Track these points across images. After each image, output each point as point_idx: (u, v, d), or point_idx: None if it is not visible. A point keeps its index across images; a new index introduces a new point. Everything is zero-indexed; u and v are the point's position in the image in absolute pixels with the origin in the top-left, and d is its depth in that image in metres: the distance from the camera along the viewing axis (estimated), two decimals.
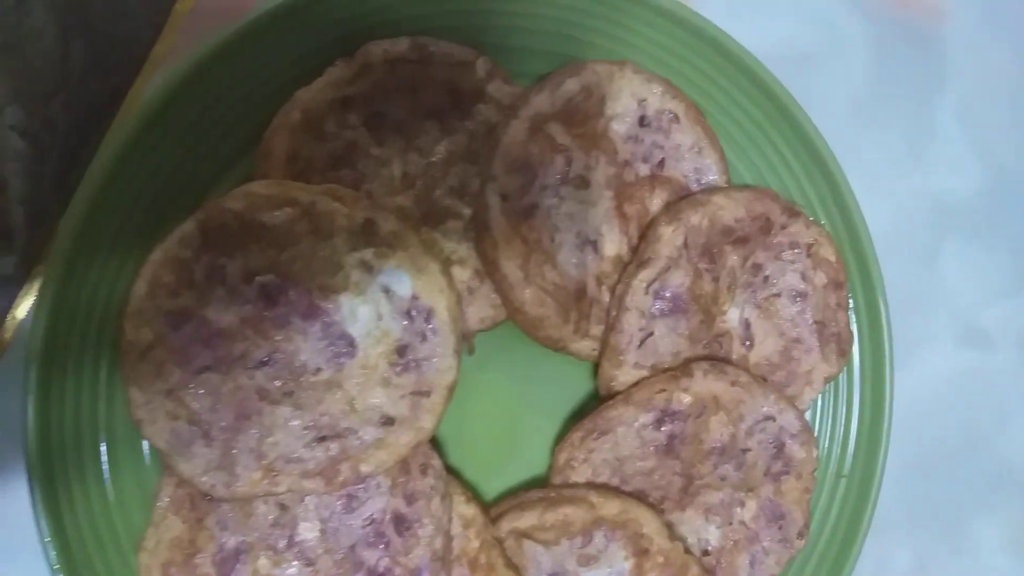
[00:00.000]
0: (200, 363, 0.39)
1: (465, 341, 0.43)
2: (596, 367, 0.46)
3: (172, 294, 0.39)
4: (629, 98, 0.45)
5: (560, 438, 0.46)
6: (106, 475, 0.40)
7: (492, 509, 0.44)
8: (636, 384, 0.45)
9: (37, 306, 0.39)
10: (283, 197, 0.39)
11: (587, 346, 0.45)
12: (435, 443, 0.43)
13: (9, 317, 0.41)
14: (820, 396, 0.49)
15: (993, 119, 0.57)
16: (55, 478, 0.39)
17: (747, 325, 0.47)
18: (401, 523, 0.40)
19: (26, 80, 0.41)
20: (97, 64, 0.43)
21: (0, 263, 0.42)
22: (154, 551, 0.39)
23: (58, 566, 0.38)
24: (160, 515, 0.40)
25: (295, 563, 0.40)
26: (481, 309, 0.45)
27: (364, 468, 0.39)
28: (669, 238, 0.44)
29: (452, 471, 0.44)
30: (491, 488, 0.46)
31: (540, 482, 0.46)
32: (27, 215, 0.42)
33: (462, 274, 0.44)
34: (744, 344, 0.47)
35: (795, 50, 0.53)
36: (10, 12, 0.40)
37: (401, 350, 0.40)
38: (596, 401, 0.47)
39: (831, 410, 0.49)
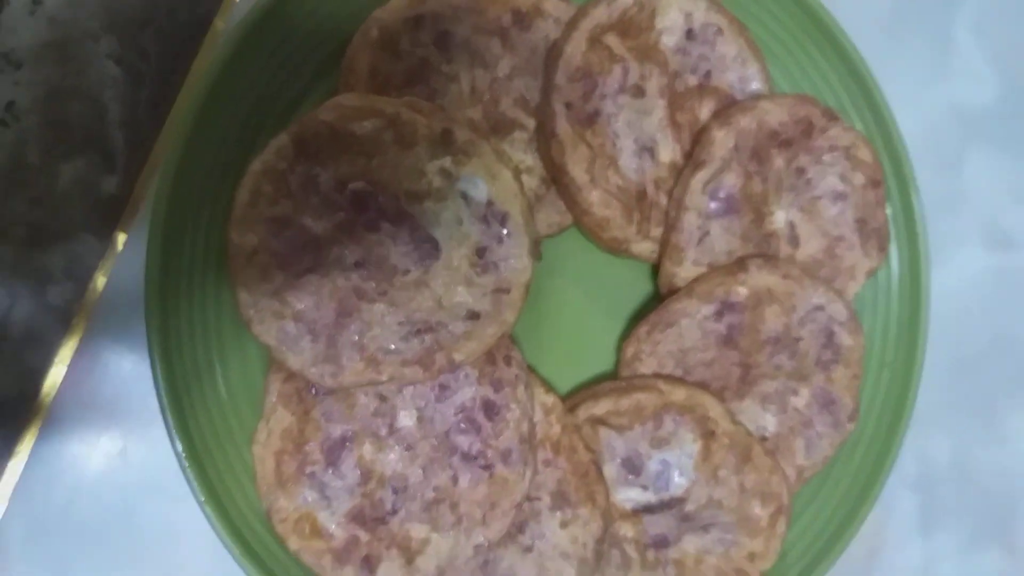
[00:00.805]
0: (301, 266, 0.42)
1: (535, 246, 0.45)
2: (656, 268, 0.49)
3: (272, 202, 0.41)
4: (677, 12, 0.47)
5: (624, 336, 0.49)
6: (219, 376, 0.43)
7: (567, 400, 0.47)
8: (696, 280, 0.47)
9: (151, 220, 0.41)
10: (369, 108, 0.41)
11: (647, 247, 0.48)
12: (513, 341, 0.46)
13: (118, 232, 0.45)
14: (862, 289, 0.51)
15: (1006, 34, 0.59)
16: (177, 382, 0.42)
17: (792, 226, 0.49)
18: (490, 409, 0.43)
19: (119, 11, 0.45)
20: None
21: (104, 182, 0.45)
22: (266, 443, 0.42)
23: (186, 457, 0.41)
24: (270, 409, 0.43)
25: (396, 448, 0.43)
26: (548, 215, 0.47)
27: (457, 356, 0.41)
28: (722, 140, 0.46)
29: (529, 367, 0.46)
30: (563, 383, 0.48)
31: (607, 377, 0.49)
32: (126, 138, 0.45)
33: (529, 182, 0.47)
34: (791, 244, 0.49)
35: None
36: None
37: (480, 251, 0.43)
38: (656, 301, 0.49)
39: (873, 301, 0.51)
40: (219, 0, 0.46)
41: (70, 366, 0.45)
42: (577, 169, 0.45)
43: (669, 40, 0.47)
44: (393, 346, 0.42)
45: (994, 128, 0.58)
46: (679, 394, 0.46)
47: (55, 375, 0.44)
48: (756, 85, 0.49)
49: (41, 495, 0.45)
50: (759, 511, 0.46)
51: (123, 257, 0.45)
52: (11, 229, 0.44)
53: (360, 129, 0.42)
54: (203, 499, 0.41)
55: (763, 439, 0.48)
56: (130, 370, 0.45)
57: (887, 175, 0.51)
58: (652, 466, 0.46)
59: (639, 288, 0.50)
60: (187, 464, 0.41)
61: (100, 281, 0.45)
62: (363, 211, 0.42)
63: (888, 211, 0.51)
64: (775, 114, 0.47)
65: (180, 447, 0.41)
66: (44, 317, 0.44)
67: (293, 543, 0.42)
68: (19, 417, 0.44)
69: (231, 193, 0.42)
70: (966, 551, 0.56)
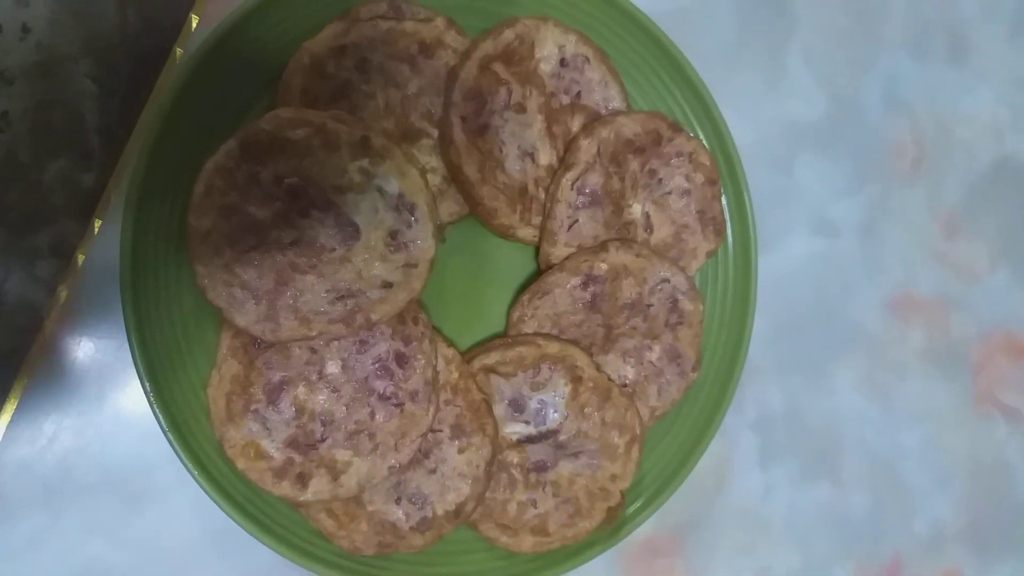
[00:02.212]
0: (246, 244, 0.47)
1: (439, 231, 0.51)
2: (537, 249, 0.55)
3: (222, 193, 0.47)
4: (552, 44, 0.54)
5: (511, 303, 0.55)
6: (179, 333, 0.50)
7: (466, 354, 0.53)
8: (567, 258, 0.53)
9: (124, 212, 0.47)
10: (302, 119, 0.47)
11: (529, 232, 0.54)
12: (420, 306, 0.51)
13: (95, 219, 0.51)
14: (704, 266, 0.58)
15: (832, 59, 0.65)
16: (145, 338, 0.48)
17: (647, 216, 0.56)
18: (401, 359, 0.49)
19: (95, 38, 0.50)
20: (147, 27, 0.52)
21: (83, 177, 0.51)
22: (218, 386, 0.49)
23: (153, 397, 0.48)
24: (221, 359, 0.49)
25: (324, 390, 0.49)
26: (449, 206, 0.53)
27: (374, 316, 0.47)
28: (586, 147, 0.53)
29: (434, 328, 0.52)
30: (462, 342, 0.54)
31: (498, 336, 0.55)
32: (101, 141, 0.51)
33: (434, 180, 0.53)
34: (646, 231, 0.57)
35: (677, 8, 0.61)
36: None
37: (393, 234, 0.49)
38: (536, 275, 0.55)
39: (712, 275, 0.58)
40: (178, 29, 0.53)
41: (56, 327, 0.51)
42: (471, 169, 0.51)
43: (546, 67, 0.55)
44: (322, 308, 0.47)
45: (820, 136, 0.65)
46: (553, 347, 0.52)
47: (43, 335, 0.51)
48: (616, 103, 0.56)
49: (27, 436, 0.51)
50: (617, 440, 0.53)
51: (99, 239, 0.51)
52: (6, 215, 0.49)
53: (294, 135, 0.47)
54: (168, 430, 0.48)
55: (624, 386, 0.55)
56: (106, 331, 0.51)
57: (722, 175, 0.58)
58: (532, 405, 0.52)
59: (523, 265, 0.56)
60: (154, 401, 0.48)
61: (80, 258, 0.51)
62: (297, 201, 0.48)
63: (724, 203, 0.59)
64: (630, 127, 0.54)
65: (148, 387, 0.48)
66: (34, 287, 0.50)
67: (241, 464, 0.48)
68: (12, 367, 0.50)
69: (190, 186, 0.47)
70: (799, 482, 0.63)
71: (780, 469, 0.63)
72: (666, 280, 0.56)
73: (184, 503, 0.52)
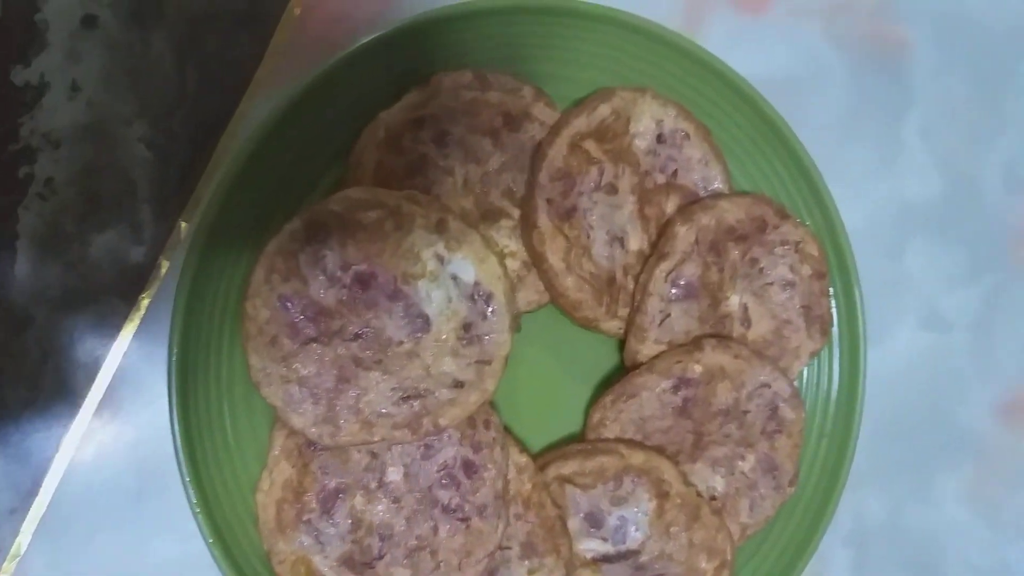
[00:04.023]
0: (306, 336, 0.45)
1: (516, 321, 0.48)
2: (622, 343, 0.52)
3: (283, 279, 0.45)
4: (649, 119, 0.51)
5: (592, 402, 0.51)
6: (229, 430, 0.47)
7: (538, 460, 0.49)
8: (657, 356, 0.50)
9: (177, 294, 0.44)
10: (374, 200, 0.45)
11: (615, 325, 0.51)
12: (492, 405, 0.49)
13: (143, 297, 0.48)
14: (806, 368, 0.54)
15: (951, 135, 0.61)
16: (192, 434, 0.45)
17: (745, 309, 0.52)
18: (469, 468, 0.47)
19: (150, 99, 0.48)
20: (209, 86, 0.49)
21: (132, 252, 0.48)
22: (269, 491, 0.46)
23: (196, 503, 0.45)
24: (274, 461, 0.46)
25: (384, 500, 0.46)
26: (528, 294, 0.50)
27: (442, 421, 0.45)
28: (684, 236, 0.50)
29: (505, 428, 0.49)
30: (535, 443, 0.51)
31: (575, 439, 0.51)
32: (153, 212, 0.48)
33: (512, 264, 0.50)
34: (743, 325, 0.53)
35: (785, 76, 0.57)
36: (136, 44, 0.48)
37: (467, 326, 0.47)
38: (622, 372, 0.51)
39: (815, 379, 0.54)
40: (241, 91, 0.50)
41: (93, 416, 0.48)
42: (555, 258, 0.48)
43: (641, 143, 0.51)
44: (385, 410, 0.45)
45: (934, 220, 0.60)
46: (638, 457, 0.49)
47: (80, 423, 0.48)
48: (717, 184, 0.52)
49: (62, 531, 0.48)
50: (705, 565, 0.49)
51: (147, 319, 0.49)
52: (47, 291, 0.47)
53: (364, 218, 0.45)
54: (211, 541, 0.45)
55: (712, 498, 0.51)
56: (149, 422, 0.48)
57: (832, 267, 0.53)
58: (611, 521, 0.49)
59: (606, 360, 0.53)
60: (197, 509, 0.44)
61: (126, 341, 0.48)
62: (364, 289, 0.46)
63: (831, 300, 0.54)
64: (733, 213, 0.51)
65: (192, 494, 0.44)
66: (74, 372, 0.48)
67: None
68: (47, 454, 0.47)
69: (248, 269, 0.45)
70: None
71: None
72: (766, 385, 0.52)
73: None
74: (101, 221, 0.48)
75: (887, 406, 0.59)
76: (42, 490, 0.47)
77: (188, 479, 0.45)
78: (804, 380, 0.55)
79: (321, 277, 0.46)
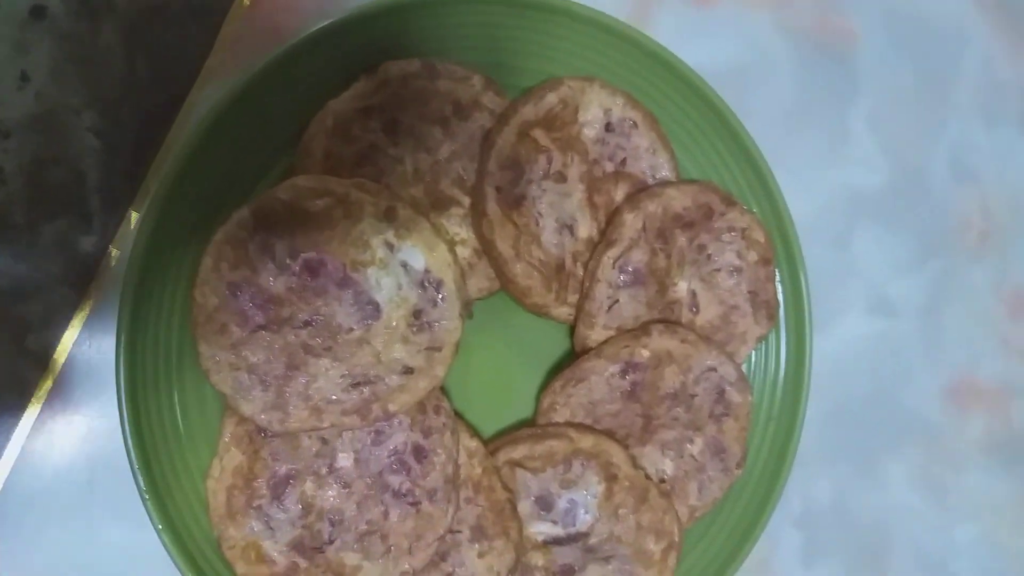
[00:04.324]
0: (256, 323, 0.45)
1: (466, 308, 0.49)
2: (572, 329, 0.52)
3: (232, 267, 0.45)
4: (597, 108, 0.51)
5: (543, 387, 0.51)
6: (179, 418, 0.46)
7: (489, 444, 0.49)
8: (605, 342, 0.50)
9: (124, 283, 0.44)
10: (322, 189, 0.45)
11: (565, 312, 0.51)
12: (443, 391, 0.49)
13: (93, 287, 0.48)
14: (753, 352, 0.54)
15: (897, 124, 0.62)
16: (140, 422, 0.45)
17: (693, 295, 0.53)
18: (420, 453, 0.46)
19: (99, 90, 0.48)
20: (158, 77, 0.49)
21: (82, 241, 0.48)
22: (219, 478, 0.45)
23: (146, 490, 0.44)
24: (224, 448, 0.46)
25: (334, 485, 0.46)
26: (479, 281, 0.50)
27: (391, 407, 0.45)
28: (631, 223, 0.50)
29: (456, 414, 0.49)
30: (487, 428, 0.51)
31: (526, 423, 0.51)
32: (103, 202, 0.48)
33: (463, 252, 0.50)
34: (691, 310, 0.53)
35: (733, 66, 0.58)
36: (85, 35, 0.47)
37: (417, 313, 0.47)
38: (572, 357, 0.52)
39: (762, 364, 0.54)
40: (191, 81, 0.49)
41: (44, 407, 0.47)
42: (504, 245, 0.48)
43: (590, 132, 0.51)
44: (335, 396, 0.45)
45: (881, 208, 0.61)
46: (587, 441, 0.49)
47: (30, 414, 0.47)
48: (665, 172, 0.52)
49: (14, 521, 0.48)
50: (653, 546, 0.50)
51: (97, 309, 0.48)
52: None
53: (313, 207, 0.45)
54: (160, 527, 0.44)
55: (661, 481, 0.51)
56: (100, 412, 0.48)
57: (778, 254, 0.53)
58: (561, 504, 0.49)
59: (557, 346, 0.53)
60: (147, 497, 0.44)
61: (75, 330, 0.48)
62: (313, 277, 0.46)
63: (777, 285, 0.54)
64: (680, 200, 0.51)
65: (142, 482, 0.44)
66: (23, 363, 0.47)
67: (240, 568, 0.45)
68: None
69: (197, 257, 0.45)
70: None
71: (824, 569, 0.59)
72: (713, 369, 0.52)
73: None
74: (50, 211, 0.48)
75: (835, 391, 0.60)
76: None
77: (137, 466, 0.45)
78: (752, 364, 0.55)
79: (270, 265, 0.45)
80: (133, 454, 0.45)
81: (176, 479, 0.46)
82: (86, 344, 0.48)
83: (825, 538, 0.59)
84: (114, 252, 0.49)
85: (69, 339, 0.48)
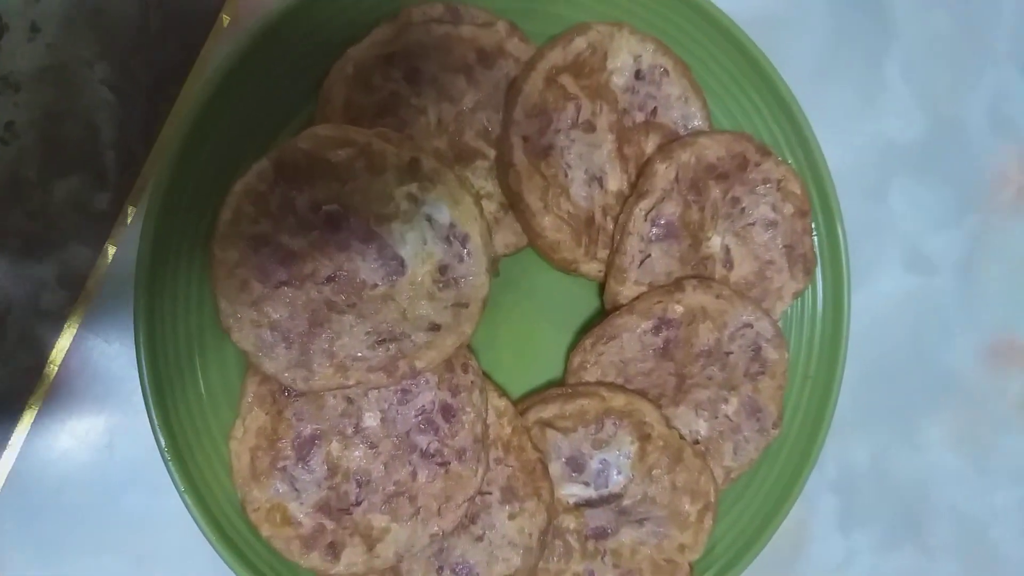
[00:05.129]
0: (277, 279, 0.44)
1: (493, 264, 0.47)
2: (602, 286, 0.51)
3: (252, 221, 0.43)
4: (627, 55, 0.49)
5: (572, 347, 0.50)
6: (200, 378, 0.45)
7: (518, 404, 0.49)
8: (637, 298, 0.49)
9: (141, 239, 0.43)
10: (343, 138, 0.43)
11: (595, 267, 0.50)
12: (470, 350, 0.48)
13: (109, 244, 0.46)
14: (789, 308, 0.53)
15: (934, 73, 0.60)
16: (162, 382, 0.43)
17: (727, 250, 0.52)
18: (448, 411, 0.45)
19: (112, 41, 0.46)
20: (172, 26, 0.47)
21: (96, 199, 0.46)
22: (242, 439, 0.44)
23: (167, 451, 0.43)
24: (246, 408, 0.45)
25: (361, 446, 0.45)
26: (505, 237, 0.49)
27: (418, 364, 0.43)
28: (663, 173, 0.49)
29: (484, 374, 0.48)
30: (516, 389, 0.50)
31: (555, 383, 0.51)
32: (117, 158, 0.47)
33: (488, 207, 0.49)
34: (725, 266, 0.52)
35: (764, 15, 0.56)
36: None
37: (443, 269, 0.45)
38: (602, 315, 0.51)
39: (799, 320, 0.53)
40: (206, 32, 0.48)
41: (61, 367, 0.46)
42: (532, 197, 0.47)
43: (619, 80, 0.50)
44: (360, 354, 0.44)
45: (918, 160, 0.60)
46: (619, 400, 0.48)
47: (47, 375, 0.46)
48: (697, 122, 0.51)
49: (33, 484, 0.46)
50: (688, 507, 0.49)
51: (112, 268, 0.47)
52: (8, 240, 0.45)
53: (335, 157, 0.43)
54: (183, 489, 0.43)
55: (695, 442, 0.50)
56: (118, 372, 0.47)
57: (814, 206, 0.52)
58: (593, 465, 0.48)
59: (586, 303, 0.52)
60: (169, 457, 0.43)
61: (92, 289, 0.47)
62: (336, 231, 0.44)
63: (814, 239, 0.53)
64: (713, 150, 0.49)
65: (163, 442, 0.43)
66: (38, 322, 0.46)
67: (265, 530, 0.44)
68: (14, 411, 0.45)
69: (216, 211, 0.43)
70: (882, 548, 0.58)
71: (862, 534, 0.58)
72: (748, 325, 0.51)
73: (199, 570, 0.48)
74: (64, 167, 0.46)
75: (871, 350, 0.58)
76: (10, 443, 0.46)
77: (159, 427, 0.43)
78: (787, 321, 0.54)
79: (291, 218, 0.44)
80: (154, 414, 0.43)
81: (198, 440, 0.45)
82: (103, 304, 0.47)
83: (862, 503, 0.59)
84: (131, 210, 0.47)
85: (85, 299, 0.47)
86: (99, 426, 0.47)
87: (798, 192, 0.52)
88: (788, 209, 0.52)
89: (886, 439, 0.59)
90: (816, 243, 0.53)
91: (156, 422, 0.43)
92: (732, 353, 0.51)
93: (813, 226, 0.53)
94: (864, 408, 0.58)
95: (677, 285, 0.49)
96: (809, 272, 0.53)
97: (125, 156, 0.47)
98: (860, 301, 0.57)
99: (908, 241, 0.60)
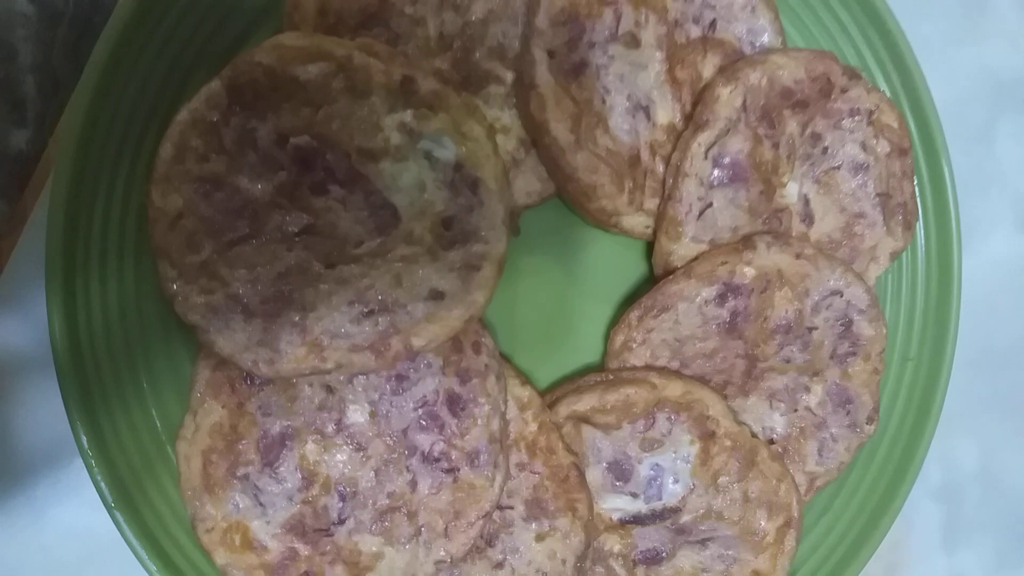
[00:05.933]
0: (234, 234, 0.39)
1: (511, 218, 0.41)
2: (650, 245, 0.46)
3: (201, 159, 0.38)
4: None
5: (614, 322, 0.45)
6: (139, 363, 0.39)
7: (546, 395, 0.45)
8: (695, 259, 0.44)
9: (54, 178, 0.37)
10: (315, 50, 0.38)
11: (641, 222, 0.45)
12: (484, 325, 0.43)
13: (26, 195, 0.40)
14: (885, 273, 0.48)
15: None
16: (84, 366, 0.38)
17: (806, 201, 0.47)
18: (455, 403, 0.41)
19: None
20: None
21: (13, 136, 0.41)
22: (193, 439, 0.39)
23: (92, 456, 0.36)
24: (198, 401, 0.40)
25: (345, 448, 0.40)
26: (527, 182, 0.44)
27: (416, 341, 0.38)
28: (728, 99, 0.43)
29: (502, 356, 0.43)
30: (543, 377, 0.46)
31: (593, 369, 0.46)
32: (38, 84, 0.41)
33: (506, 144, 0.43)
34: (804, 220, 0.46)
35: None
36: None
37: (446, 222, 0.40)
38: (650, 282, 0.46)
39: (897, 287, 0.48)
40: None
41: None
42: (560, 127, 0.41)
43: None
44: (342, 329, 0.38)
45: None
46: (674, 389, 0.43)
47: None
48: (767, 38, 0.46)
49: None
50: (765, 524, 0.44)
51: (34, 223, 0.41)
52: None
53: (304, 74, 0.38)
54: (112, 502, 0.37)
55: (770, 442, 0.46)
56: (32, 354, 0.42)
57: (915, 143, 0.47)
58: (643, 471, 0.44)
59: (630, 268, 0.47)
60: (93, 461, 0.37)
61: (5, 250, 0.41)
62: (308, 171, 0.39)
63: (915, 184, 0.47)
64: (790, 70, 0.44)
65: (85, 441, 0.37)
66: None
67: (220, 557, 0.39)
68: None
69: (153, 147, 0.38)
70: (994, 570, 0.54)
71: (970, 553, 0.54)
72: (837, 293, 0.45)
73: None
74: None
75: (979, 329, 0.53)
76: None
77: (79, 425, 0.37)
78: (882, 288, 0.49)
79: (251, 155, 0.39)
80: (73, 410, 0.37)
81: (135, 441, 0.39)
82: (20, 267, 0.42)
83: (971, 514, 0.54)
84: (53, 148, 0.42)
85: None
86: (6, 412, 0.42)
87: (895, 126, 0.47)
88: (882, 148, 0.47)
89: (998, 436, 0.54)
90: (918, 190, 0.48)
91: (76, 419, 0.37)
92: (816, 329, 0.45)
93: (914, 168, 0.48)
94: (972, 399, 0.54)
95: (746, 243, 0.44)
96: (910, 226, 0.48)
97: (48, 83, 0.42)
98: (965, 268, 0.52)
99: (1021, 194, 0.55)
